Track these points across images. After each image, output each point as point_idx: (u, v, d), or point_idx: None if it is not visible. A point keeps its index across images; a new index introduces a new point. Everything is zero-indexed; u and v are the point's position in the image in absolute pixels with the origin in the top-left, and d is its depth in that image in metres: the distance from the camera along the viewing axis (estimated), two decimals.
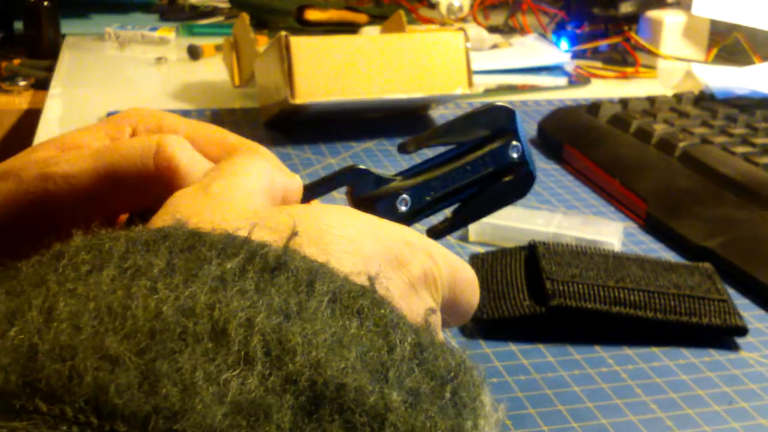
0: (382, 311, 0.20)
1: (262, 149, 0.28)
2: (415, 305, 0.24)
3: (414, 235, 0.25)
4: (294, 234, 0.21)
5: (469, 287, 0.27)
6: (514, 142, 0.31)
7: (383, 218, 0.27)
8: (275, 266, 0.19)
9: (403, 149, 0.31)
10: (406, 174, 0.30)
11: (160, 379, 0.16)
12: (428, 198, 0.30)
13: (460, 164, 0.30)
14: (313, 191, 0.29)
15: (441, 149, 0.31)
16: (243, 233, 0.20)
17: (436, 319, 0.24)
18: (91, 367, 0.16)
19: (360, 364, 0.18)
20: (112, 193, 0.26)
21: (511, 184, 0.31)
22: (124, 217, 0.30)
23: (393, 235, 0.24)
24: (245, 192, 0.24)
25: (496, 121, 0.31)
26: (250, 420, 0.16)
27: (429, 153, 0.32)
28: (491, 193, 0.31)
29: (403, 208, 0.30)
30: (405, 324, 0.20)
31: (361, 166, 0.29)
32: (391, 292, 0.22)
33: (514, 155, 0.31)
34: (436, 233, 0.32)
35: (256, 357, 0.17)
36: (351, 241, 0.22)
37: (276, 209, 0.24)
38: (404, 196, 0.30)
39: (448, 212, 0.32)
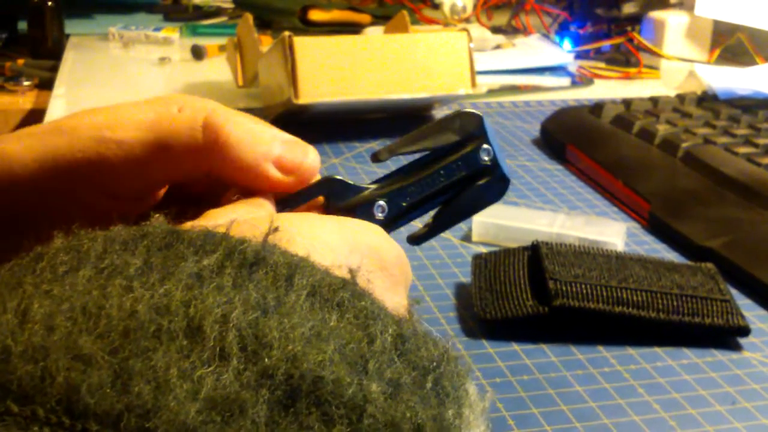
0: (363, 303, 0.20)
1: (314, 153, 0.29)
2: (391, 292, 0.24)
3: (372, 227, 0.26)
4: (274, 229, 0.21)
5: (408, 264, 0.28)
6: (485, 146, 0.31)
7: None
8: (254, 261, 0.19)
9: (375, 158, 0.31)
10: (381, 182, 0.31)
11: (133, 378, 0.16)
12: (404, 204, 0.30)
13: (434, 169, 0.31)
14: (288, 203, 0.29)
15: (413, 156, 0.32)
16: (223, 230, 0.21)
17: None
18: (63, 367, 0.16)
19: (338, 356, 0.18)
20: (161, 164, 0.27)
21: (485, 187, 0.32)
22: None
23: (359, 228, 0.25)
24: None
25: (465, 127, 0.31)
26: (224, 415, 0.16)
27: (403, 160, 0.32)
28: (467, 196, 0.32)
29: (380, 215, 0.30)
30: (386, 315, 0.20)
31: (337, 177, 0.30)
32: (374, 284, 0.22)
33: (486, 158, 0.31)
34: (416, 239, 0.33)
35: (232, 352, 0.17)
36: (326, 237, 0.23)
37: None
38: (381, 203, 0.30)
39: (428, 218, 0.33)
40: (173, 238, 0.20)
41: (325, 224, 0.24)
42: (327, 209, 0.30)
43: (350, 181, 0.30)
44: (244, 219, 0.22)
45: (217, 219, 0.24)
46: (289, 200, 0.29)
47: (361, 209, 0.30)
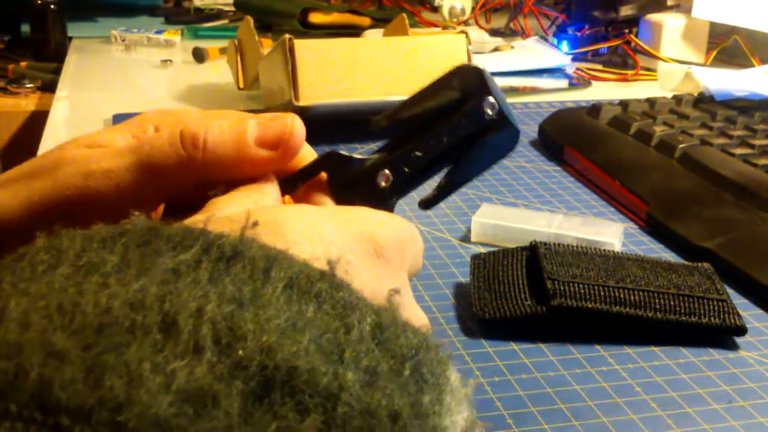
0: (341, 294, 0.20)
1: (296, 120, 0.29)
2: (385, 279, 0.24)
3: (370, 212, 0.26)
4: (253, 224, 0.21)
5: (417, 240, 0.27)
6: (490, 99, 0.30)
7: (364, 199, 0.27)
8: (231, 255, 0.20)
9: (375, 126, 0.30)
10: (383, 150, 0.30)
11: (106, 372, 0.16)
12: (408, 170, 0.29)
13: (437, 131, 0.29)
14: (291, 183, 0.28)
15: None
16: (201, 225, 0.21)
17: (400, 298, 0.24)
18: (37, 363, 0.16)
19: (314, 346, 0.18)
20: (150, 185, 0.27)
21: (493, 141, 0.30)
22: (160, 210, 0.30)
23: (353, 216, 0.25)
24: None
25: (465, 82, 0.30)
26: (197, 408, 0.16)
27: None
28: (476, 154, 0.30)
29: (384, 184, 0.29)
30: (364, 305, 0.20)
31: (336, 151, 0.29)
32: (354, 272, 0.22)
33: (490, 112, 0.30)
34: (427, 203, 0.31)
35: (206, 345, 0.17)
36: (309, 229, 0.23)
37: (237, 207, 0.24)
38: (383, 172, 0.29)
39: (437, 180, 0.31)
40: (152, 235, 0.20)
41: (316, 215, 0.24)
42: (329, 185, 0.29)
43: (350, 154, 0.29)
44: (224, 215, 0.23)
45: (223, 207, 0.25)
46: (290, 180, 0.29)
47: (363, 181, 0.29)
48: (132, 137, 0.29)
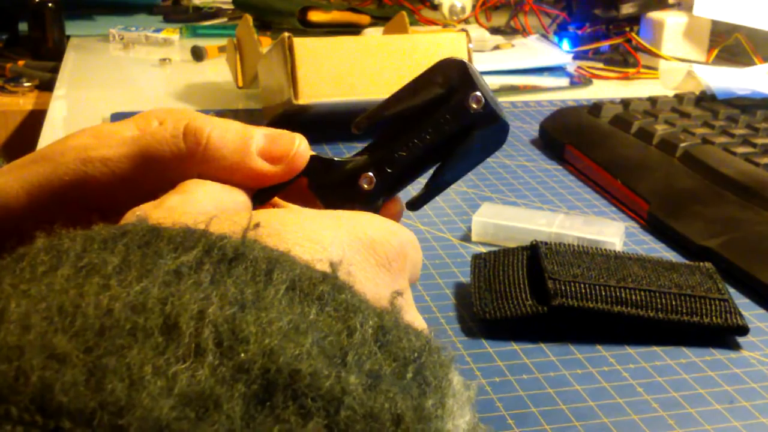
0: (343, 296, 0.20)
1: (304, 141, 0.28)
2: (386, 286, 0.24)
3: (373, 218, 0.26)
4: (255, 225, 0.21)
5: (418, 249, 0.27)
6: (476, 93, 0.29)
7: (348, 201, 0.27)
8: (233, 257, 0.19)
9: (357, 128, 0.29)
10: (366, 151, 0.29)
11: (107, 375, 0.16)
12: (391, 171, 0.29)
13: (422, 128, 0.29)
14: (270, 189, 0.28)
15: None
16: (202, 226, 0.21)
17: (402, 301, 0.24)
18: (37, 366, 0.16)
19: (316, 349, 0.18)
20: (147, 175, 0.27)
21: (481, 136, 0.29)
22: None
23: (355, 221, 0.25)
24: (199, 205, 0.24)
25: (449, 77, 0.29)
26: (198, 411, 0.16)
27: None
28: (463, 150, 0.29)
29: (367, 187, 0.28)
30: (367, 308, 0.20)
31: (316, 154, 0.28)
32: (356, 276, 0.22)
33: (475, 105, 0.29)
34: (414, 203, 0.31)
35: (207, 348, 0.17)
36: (311, 231, 0.23)
37: (236, 210, 0.24)
38: (366, 174, 0.28)
39: (423, 180, 0.30)
40: (153, 236, 0.20)
41: (318, 218, 0.24)
42: (311, 189, 0.29)
43: (331, 157, 0.29)
44: (225, 215, 0.22)
45: (195, 188, 0.25)
46: (270, 186, 0.28)
47: (345, 184, 0.28)
48: (136, 129, 0.29)
